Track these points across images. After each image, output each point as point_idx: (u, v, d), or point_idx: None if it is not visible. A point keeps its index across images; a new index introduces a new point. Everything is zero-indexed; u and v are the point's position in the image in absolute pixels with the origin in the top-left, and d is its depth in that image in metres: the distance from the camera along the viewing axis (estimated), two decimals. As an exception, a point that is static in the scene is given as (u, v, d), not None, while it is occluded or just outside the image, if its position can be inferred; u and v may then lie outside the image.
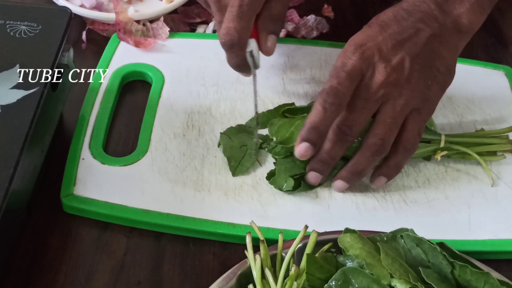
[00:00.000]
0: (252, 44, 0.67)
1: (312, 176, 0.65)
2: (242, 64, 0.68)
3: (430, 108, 0.64)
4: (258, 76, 0.72)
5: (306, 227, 0.53)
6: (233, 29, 0.65)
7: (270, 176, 0.66)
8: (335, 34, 0.85)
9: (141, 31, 0.80)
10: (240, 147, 0.68)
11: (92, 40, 0.81)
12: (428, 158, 0.69)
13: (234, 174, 0.66)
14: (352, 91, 0.61)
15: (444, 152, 0.68)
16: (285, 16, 0.72)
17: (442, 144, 0.68)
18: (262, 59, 0.70)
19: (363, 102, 0.61)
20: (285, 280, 0.49)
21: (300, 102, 0.73)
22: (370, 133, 0.62)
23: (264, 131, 0.70)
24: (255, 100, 0.69)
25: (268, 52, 0.70)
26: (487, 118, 0.74)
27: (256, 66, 0.69)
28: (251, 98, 0.71)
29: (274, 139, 0.68)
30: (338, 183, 0.65)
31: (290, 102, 0.73)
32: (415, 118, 0.63)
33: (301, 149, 0.62)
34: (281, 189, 0.65)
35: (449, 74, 0.64)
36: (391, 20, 0.63)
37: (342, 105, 0.61)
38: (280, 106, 0.72)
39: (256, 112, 0.69)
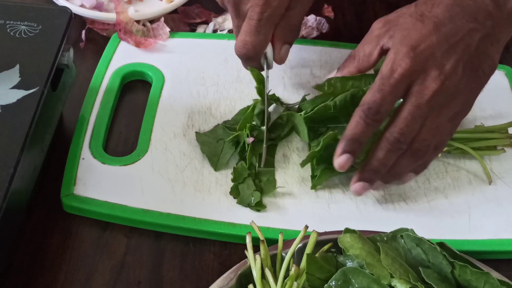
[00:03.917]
0: (267, 49, 0.68)
1: (360, 187, 0.63)
2: (257, 67, 0.69)
3: (467, 111, 0.63)
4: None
5: (306, 227, 0.53)
6: (250, 43, 0.65)
7: (235, 193, 0.65)
8: (335, 34, 0.85)
9: (142, 31, 0.80)
10: (217, 141, 0.68)
11: (92, 40, 0.81)
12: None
13: (216, 169, 0.66)
14: (396, 102, 0.59)
15: (445, 148, 0.68)
16: (301, 26, 0.72)
17: None
18: None
19: (416, 110, 0.58)
20: (285, 280, 0.49)
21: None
22: (419, 138, 0.60)
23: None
24: (266, 100, 0.69)
25: (281, 61, 0.70)
26: (487, 118, 0.74)
27: (269, 67, 0.69)
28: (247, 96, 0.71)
29: None
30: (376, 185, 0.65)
31: (291, 102, 0.73)
32: (451, 121, 0.61)
33: (342, 160, 0.61)
34: (250, 206, 0.63)
35: (491, 74, 0.63)
36: (445, 17, 0.60)
37: (383, 119, 0.60)
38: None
39: (267, 112, 0.68)
